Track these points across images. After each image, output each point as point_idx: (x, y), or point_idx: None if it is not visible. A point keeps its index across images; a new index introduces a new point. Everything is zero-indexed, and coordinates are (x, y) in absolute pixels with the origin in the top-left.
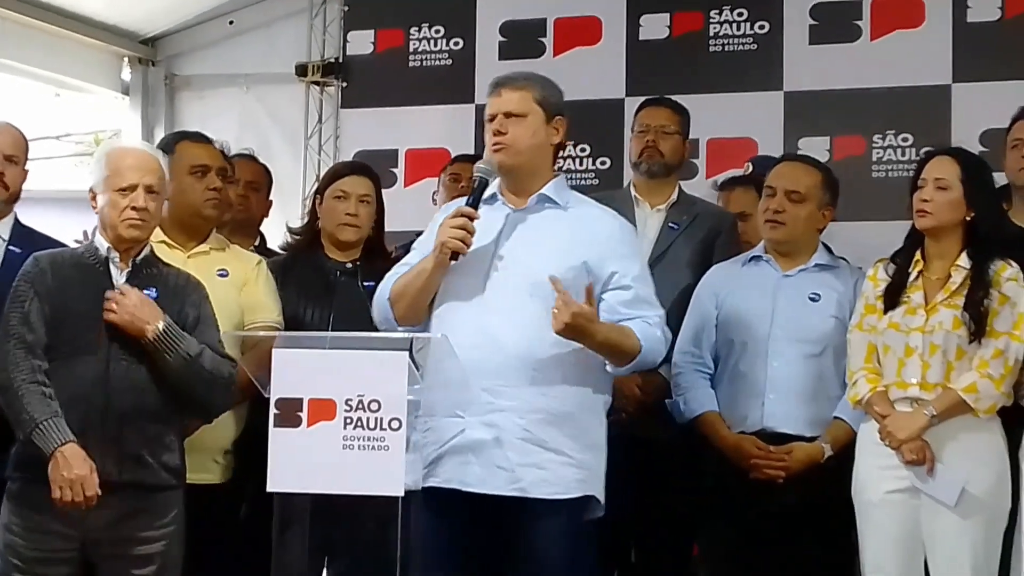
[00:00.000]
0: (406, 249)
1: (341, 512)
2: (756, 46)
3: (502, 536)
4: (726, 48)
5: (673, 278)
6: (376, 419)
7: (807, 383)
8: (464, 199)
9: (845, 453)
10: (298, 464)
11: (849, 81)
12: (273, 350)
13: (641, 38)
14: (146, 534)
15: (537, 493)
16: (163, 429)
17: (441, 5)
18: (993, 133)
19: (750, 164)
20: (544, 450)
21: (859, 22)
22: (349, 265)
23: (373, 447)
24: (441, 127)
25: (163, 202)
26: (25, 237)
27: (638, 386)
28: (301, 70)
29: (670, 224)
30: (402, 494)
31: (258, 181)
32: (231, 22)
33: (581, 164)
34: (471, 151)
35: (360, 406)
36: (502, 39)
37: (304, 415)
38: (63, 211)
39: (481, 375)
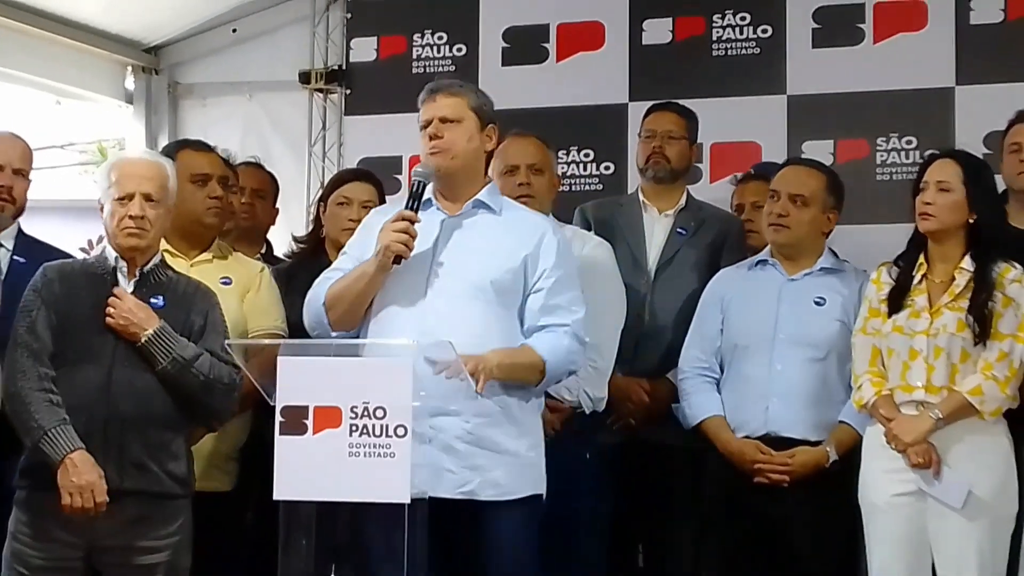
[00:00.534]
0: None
1: (347, 519)
2: (759, 50)
3: (453, 538)
4: (729, 52)
5: (680, 283)
6: (382, 426)
7: (812, 387)
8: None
9: (850, 457)
10: (304, 472)
11: (852, 84)
12: (278, 358)
13: (644, 43)
14: (151, 543)
15: (486, 495)
16: (169, 437)
17: (444, 11)
18: (996, 135)
19: (752, 171)
20: (491, 452)
21: (862, 25)
22: None
23: (379, 454)
24: None
25: (167, 210)
26: (29, 247)
27: (646, 391)
28: (304, 77)
29: (678, 229)
30: (408, 501)
31: (264, 189)
32: (234, 30)
33: (584, 169)
34: None
35: (365, 413)
36: (505, 45)
37: (310, 423)
38: (67, 220)
39: (425, 379)
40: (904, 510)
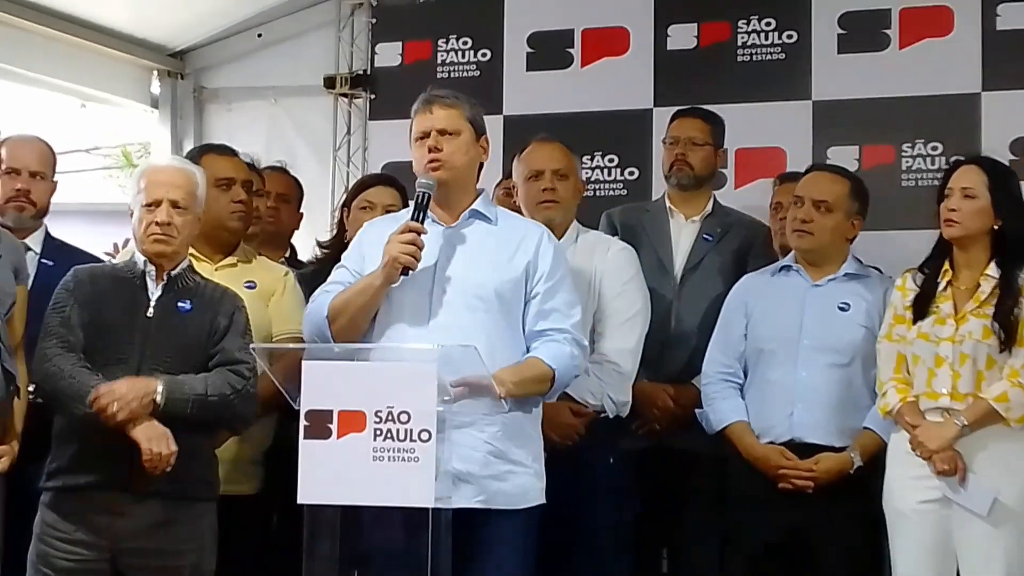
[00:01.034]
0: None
1: (371, 523)
2: (784, 55)
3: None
4: (754, 58)
5: (706, 289)
6: (406, 430)
7: (836, 393)
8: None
9: (874, 463)
10: (328, 476)
11: (878, 90)
12: (303, 362)
13: (669, 48)
14: (176, 546)
15: (497, 505)
16: (195, 440)
17: (469, 16)
18: (1023, 141)
19: (777, 181)
20: (505, 462)
21: (887, 31)
22: None
23: (403, 458)
24: None
25: (195, 217)
26: (56, 250)
27: (671, 397)
28: (329, 82)
29: (704, 235)
30: (433, 505)
31: (288, 193)
32: (259, 35)
33: (609, 175)
34: (497, 162)
35: (390, 417)
36: (530, 50)
37: (334, 427)
38: (93, 224)
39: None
40: (929, 517)
